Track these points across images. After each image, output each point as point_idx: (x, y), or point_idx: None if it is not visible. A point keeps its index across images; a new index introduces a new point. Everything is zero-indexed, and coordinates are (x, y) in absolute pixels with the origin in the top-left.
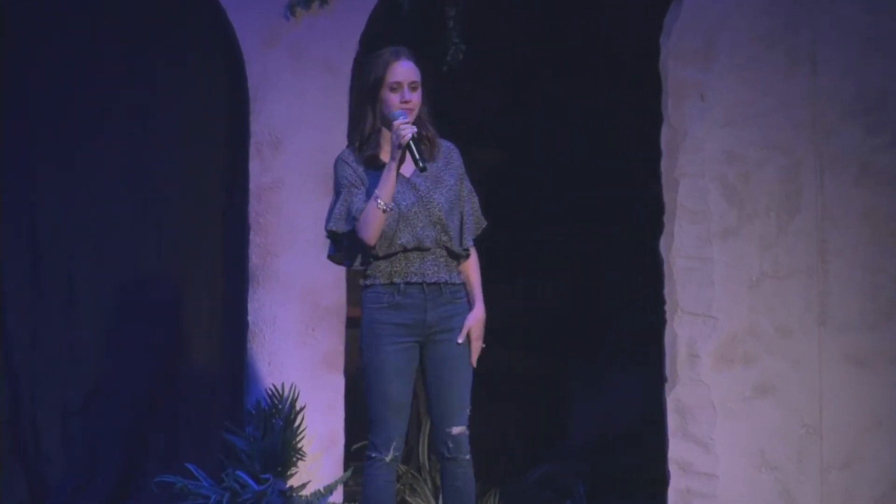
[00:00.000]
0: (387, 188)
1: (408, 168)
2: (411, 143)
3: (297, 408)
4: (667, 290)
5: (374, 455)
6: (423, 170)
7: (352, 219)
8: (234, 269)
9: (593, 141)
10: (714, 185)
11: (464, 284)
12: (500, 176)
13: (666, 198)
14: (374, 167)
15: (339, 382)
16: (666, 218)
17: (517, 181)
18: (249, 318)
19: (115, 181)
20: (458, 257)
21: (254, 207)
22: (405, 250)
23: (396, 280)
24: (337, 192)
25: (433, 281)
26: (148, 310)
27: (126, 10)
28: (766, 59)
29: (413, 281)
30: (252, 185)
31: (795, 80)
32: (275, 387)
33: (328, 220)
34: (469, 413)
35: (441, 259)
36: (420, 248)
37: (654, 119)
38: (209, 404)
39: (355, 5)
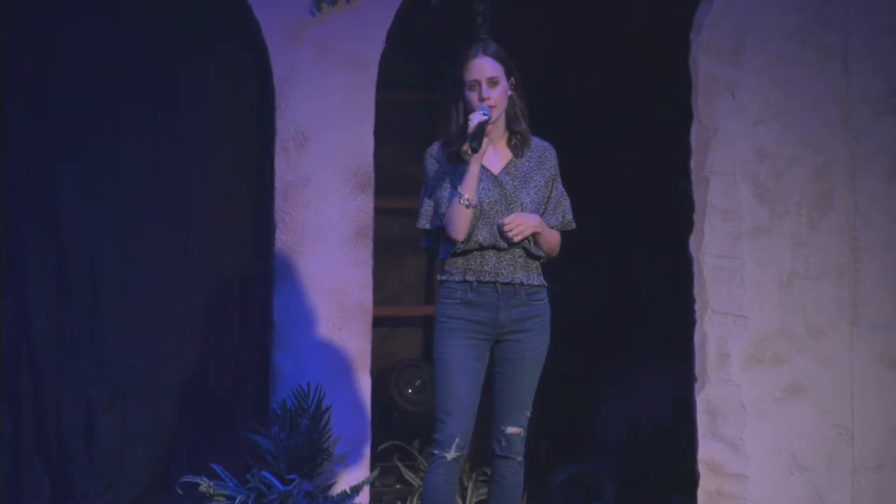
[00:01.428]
0: (469, 184)
1: (496, 165)
2: (474, 130)
3: (324, 408)
4: (696, 290)
5: (436, 452)
6: (474, 150)
7: (440, 215)
8: (260, 268)
9: (623, 137)
10: (745, 183)
11: (544, 286)
12: None
13: (696, 195)
14: (462, 162)
15: (365, 382)
16: (696, 216)
17: None
18: (275, 317)
19: (140, 179)
20: (538, 258)
21: (279, 205)
22: (481, 248)
23: (470, 278)
24: (425, 187)
25: (507, 281)
26: (173, 309)
27: (149, 2)
28: (797, 55)
29: (486, 280)
30: (278, 183)
31: (827, 77)
32: (301, 387)
33: (418, 217)
34: (529, 416)
35: (519, 259)
36: (496, 247)
37: (684, 116)
38: (235, 404)
39: (382, 1)
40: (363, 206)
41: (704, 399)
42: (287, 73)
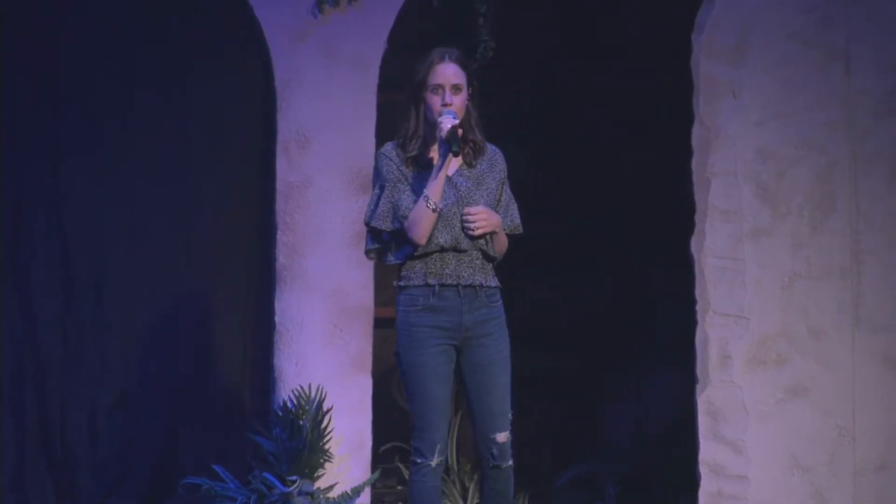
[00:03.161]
0: (436, 188)
1: (450, 167)
2: (448, 133)
3: (325, 409)
4: (698, 291)
5: (419, 461)
6: (455, 154)
7: (399, 217)
8: (263, 269)
9: (625, 138)
10: (747, 184)
11: (499, 288)
12: (530, 173)
13: (697, 197)
14: (417, 166)
15: (366, 383)
16: (697, 217)
17: (548, 178)
18: (277, 318)
19: (143, 179)
20: (492, 260)
21: (281, 206)
22: (442, 250)
23: (431, 282)
24: (380, 187)
25: (468, 283)
26: (176, 310)
27: (156, 3)
28: (800, 56)
29: (448, 283)
30: (279, 184)
31: (829, 77)
32: (302, 388)
33: (371, 215)
34: (511, 418)
35: (477, 261)
36: (456, 249)
37: (685, 117)
38: (236, 405)
39: (384, 2)
40: (365, 207)
41: (706, 400)
42: (289, 74)
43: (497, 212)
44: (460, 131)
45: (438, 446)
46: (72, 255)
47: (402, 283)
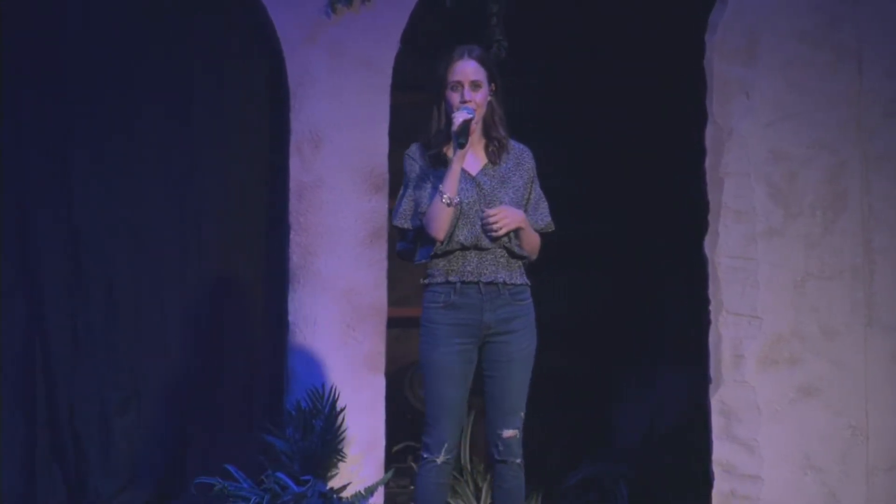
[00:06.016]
0: (451, 182)
1: (474, 166)
2: (459, 127)
3: (338, 409)
4: (711, 291)
5: (426, 456)
6: (461, 146)
7: (419, 214)
8: (274, 269)
9: (637, 138)
10: (759, 184)
11: (527, 286)
12: (541, 172)
13: (710, 197)
14: (440, 163)
15: (379, 383)
16: (710, 217)
17: (559, 177)
18: (290, 318)
19: (153, 179)
20: (519, 258)
21: (294, 206)
22: (463, 248)
23: (452, 279)
24: (405, 187)
25: (490, 280)
26: (187, 310)
27: (159, 3)
28: (811, 56)
29: (469, 280)
30: (292, 184)
31: (840, 78)
32: (315, 387)
33: (395, 215)
34: (523, 417)
35: (501, 259)
36: (478, 247)
37: (699, 117)
38: (249, 405)
39: (397, 2)
40: (377, 207)
41: (719, 400)
42: (301, 75)
43: (527, 210)
44: (473, 127)
45: (446, 445)
46: (80, 256)
47: (426, 281)
